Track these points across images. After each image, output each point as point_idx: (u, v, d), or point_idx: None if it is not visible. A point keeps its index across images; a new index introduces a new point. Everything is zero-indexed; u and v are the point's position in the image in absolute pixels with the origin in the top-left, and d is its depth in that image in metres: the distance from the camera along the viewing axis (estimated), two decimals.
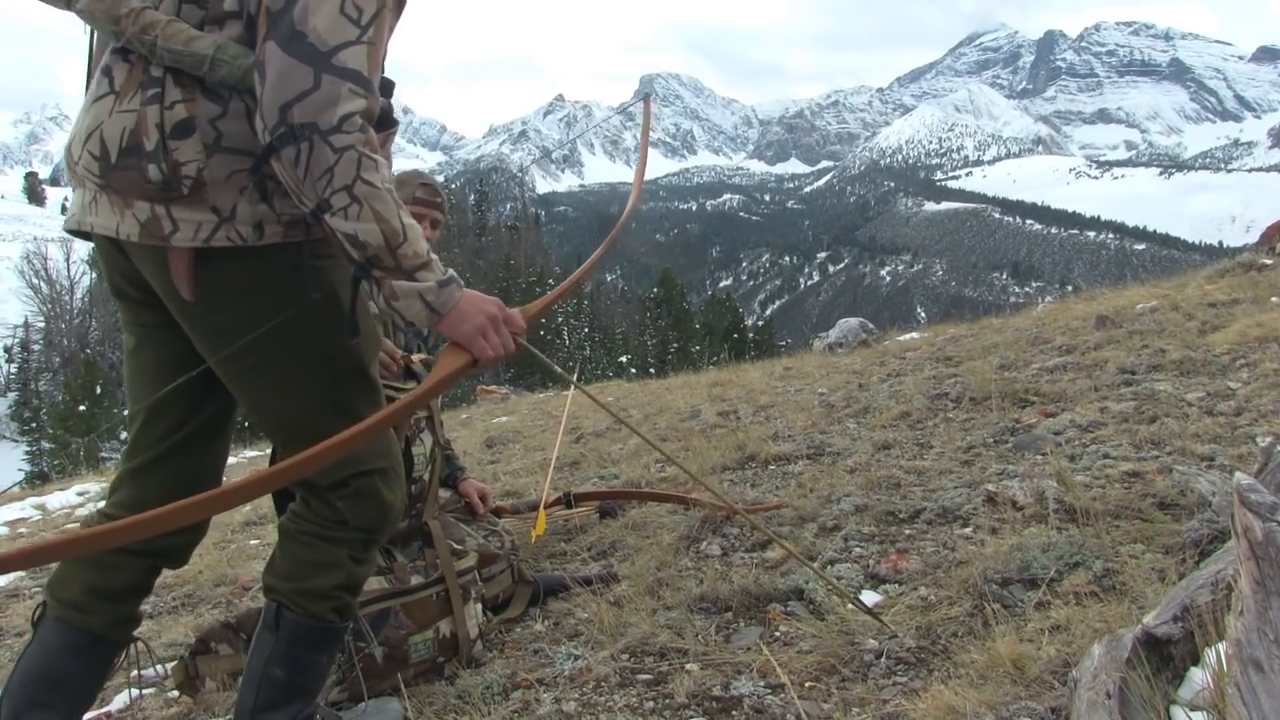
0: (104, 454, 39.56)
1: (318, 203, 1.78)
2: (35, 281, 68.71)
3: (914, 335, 11.77)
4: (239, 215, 1.90)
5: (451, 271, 1.96)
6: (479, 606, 3.06)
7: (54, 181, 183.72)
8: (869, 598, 2.81)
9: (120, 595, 2.21)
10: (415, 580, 2.91)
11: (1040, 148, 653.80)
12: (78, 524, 7.37)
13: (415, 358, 3.22)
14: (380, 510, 2.17)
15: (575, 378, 8.07)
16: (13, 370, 63.18)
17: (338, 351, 2.07)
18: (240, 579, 4.78)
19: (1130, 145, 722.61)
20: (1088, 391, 5.20)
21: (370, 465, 2.14)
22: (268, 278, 1.97)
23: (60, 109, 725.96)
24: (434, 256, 1.91)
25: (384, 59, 1.95)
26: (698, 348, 58.34)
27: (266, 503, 5.42)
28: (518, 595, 3.39)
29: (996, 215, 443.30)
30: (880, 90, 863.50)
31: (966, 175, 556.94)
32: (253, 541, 6.09)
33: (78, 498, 11.08)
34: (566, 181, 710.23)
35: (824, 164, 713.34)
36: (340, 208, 1.78)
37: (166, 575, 5.27)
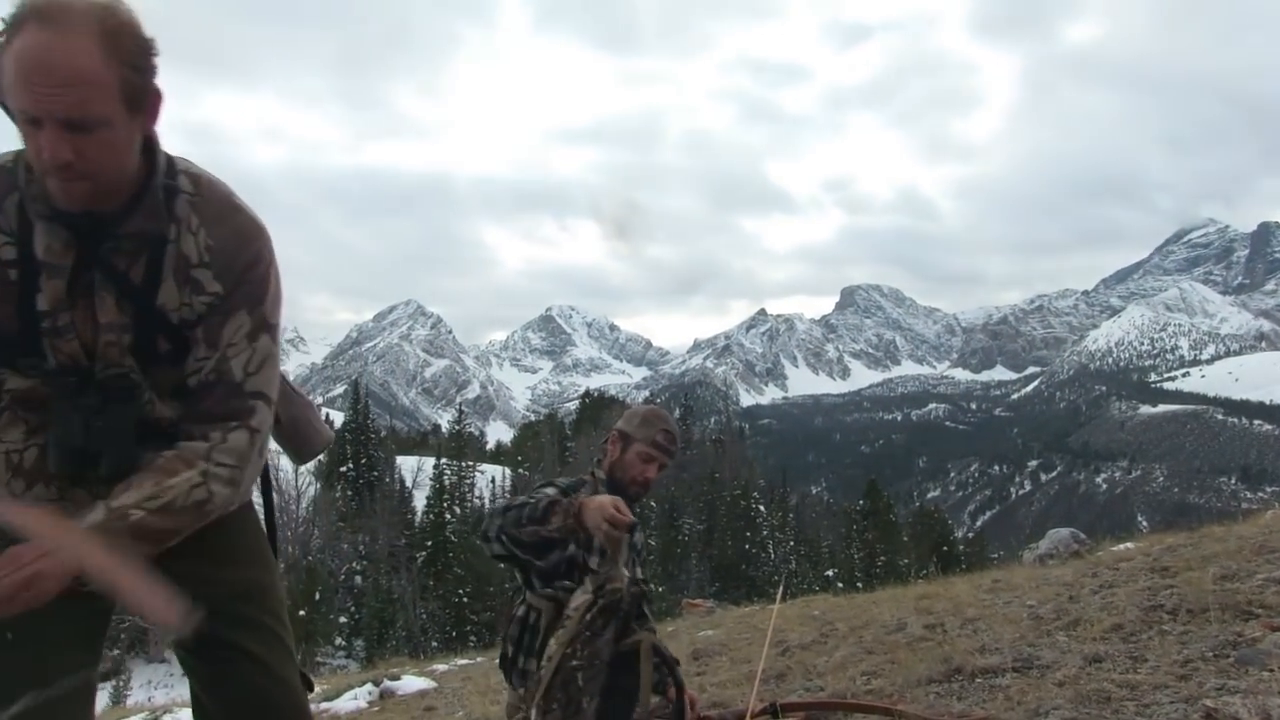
0: (319, 658, 41.07)
1: None
2: None
3: (1128, 545, 11.33)
4: None
5: None
6: None
7: None
8: None
9: None
10: None
11: (1264, 344, 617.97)
12: None
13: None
14: None
15: (781, 591, 8.16)
16: None
17: None
18: None
19: None
20: None
21: None
22: None
23: None
24: None
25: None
26: (905, 561, 56.87)
27: None
28: None
29: (1220, 416, 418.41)
30: (1085, 293, 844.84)
31: (1184, 376, 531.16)
32: None
33: None
34: (770, 394, 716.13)
35: (1031, 370, 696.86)
36: None
37: None
